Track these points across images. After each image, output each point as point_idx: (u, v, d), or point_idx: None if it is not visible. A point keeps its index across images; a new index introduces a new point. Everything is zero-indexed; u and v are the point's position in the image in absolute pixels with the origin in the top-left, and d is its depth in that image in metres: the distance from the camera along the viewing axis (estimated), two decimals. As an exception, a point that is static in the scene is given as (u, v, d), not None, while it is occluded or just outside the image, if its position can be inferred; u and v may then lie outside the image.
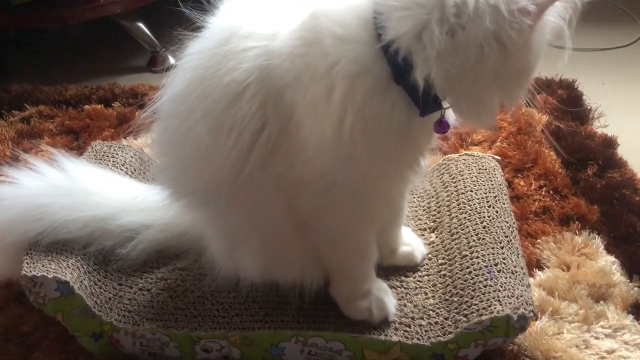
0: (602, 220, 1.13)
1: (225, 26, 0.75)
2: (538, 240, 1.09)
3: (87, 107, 1.51)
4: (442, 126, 0.72)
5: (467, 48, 0.61)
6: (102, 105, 1.52)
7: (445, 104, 0.70)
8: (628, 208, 1.15)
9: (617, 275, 1.02)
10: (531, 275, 1.03)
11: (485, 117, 0.70)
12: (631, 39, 1.81)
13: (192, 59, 0.76)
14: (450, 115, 0.74)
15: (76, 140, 1.41)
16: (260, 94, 0.71)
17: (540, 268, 1.05)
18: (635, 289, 0.99)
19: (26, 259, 0.89)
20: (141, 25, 1.76)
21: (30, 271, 0.86)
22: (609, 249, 1.07)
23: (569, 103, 1.47)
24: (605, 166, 1.26)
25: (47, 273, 0.86)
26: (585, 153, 1.29)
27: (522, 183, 1.22)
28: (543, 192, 1.20)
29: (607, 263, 1.04)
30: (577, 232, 1.10)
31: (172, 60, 1.77)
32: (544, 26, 0.63)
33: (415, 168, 0.78)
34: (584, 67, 1.65)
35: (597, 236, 1.10)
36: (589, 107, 1.46)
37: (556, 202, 1.18)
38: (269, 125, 0.72)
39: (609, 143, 1.32)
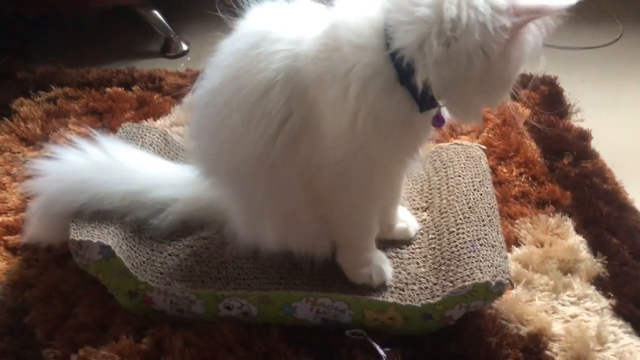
0: (573, 204, 1.28)
1: (256, 30, 0.87)
2: (517, 221, 1.24)
3: (108, 89, 1.63)
4: (438, 120, 0.86)
5: (459, 57, 0.74)
6: (123, 89, 1.64)
7: (441, 102, 0.84)
8: (597, 194, 1.29)
9: (584, 252, 1.17)
10: (509, 250, 1.17)
11: (472, 115, 0.84)
12: (611, 38, 1.94)
13: (227, 58, 0.88)
14: (446, 111, 0.87)
15: (100, 121, 1.52)
16: (286, 90, 0.83)
17: (518, 245, 1.20)
18: (599, 264, 1.14)
19: (72, 226, 1.01)
20: (156, 12, 1.86)
21: (78, 236, 0.99)
22: (578, 230, 1.22)
23: (550, 98, 1.61)
24: (579, 157, 1.40)
25: (92, 238, 0.99)
26: (562, 144, 1.43)
27: (504, 170, 1.36)
28: (523, 179, 1.34)
29: (576, 242, 1.19)
30: (551, 214, 1.25)
31: (184, 46, 1.89)
32: (522, 43, 0.75)
33: (415, 156, 0.92)
34: (566, 64, 1.78)
35: (568, 218, 1.24)
36: (568, 103, 1.59)
37: (534, 187, 1.32)
38: (292, 116, 0.84)
39: (584, 136, 1.46)
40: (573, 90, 1.65)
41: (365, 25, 0.79)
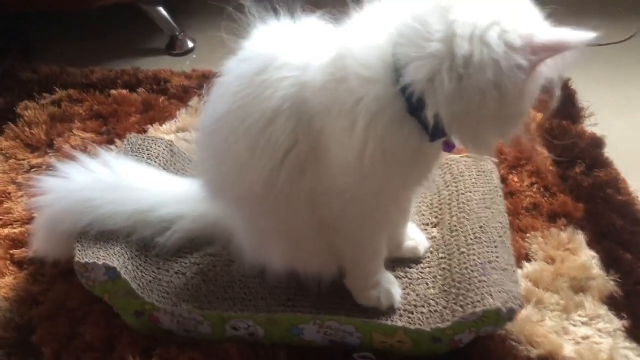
0: (586, 217, 1.25)
1: (262, 54, 0.84)
2: (528, 235, 1.21)
3: (113, 92, 1.60)
4: (448, 146, 0.84)
5: (471, 94, 0.71)
6: (128, 91, 1.61)
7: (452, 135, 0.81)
8: (610, 207, 1.26)
9: (596, 269, 1.15)
10: (520, 267, 1.16)
11: (484, 149, 0.82)
12: (625, 35, 1.87)
13: (233, 83, 0.85)
14: None
15: (105, 126, 1.50)
16: (292, 119, 0.81)
17: (529, 260, 1.17)
18: (611, 282, 1.12)
19: (78, 247, 1.01)
20: (161, 9, 1.82)
21: (83, 258, 0.98)
22: (591, 245, 1.19)
23: (563, 101, 1.56)
24: (593, 165, 1.36)
25: (98, 260, 0.98)
26: (574, 152, 1.40)
27: (515, 179, 1.34)
28: (534, 189, 1.31)
29: (588, 258, 1.16)
30: (563, 228, 1.22)
31: (190, 44, 1.85)
32: (537, 77, 0.72)
33: (425, 182, 0.90)
34: (578, 63, 1.73)
35: (580, 232, 1.21)
36: (581, 106, 1.55)
37: (546, 199, 1.29)
38: (298, 145, 0.82)
39: (597, 143, 1.43)
40: (585, 91, 1.61)
41: (373, 57, 0.76)
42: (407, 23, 0.73)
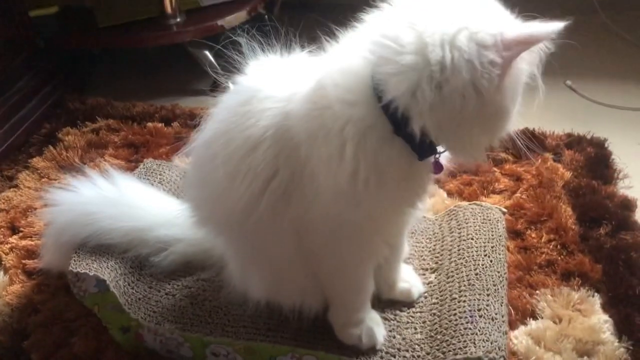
0: (603, 279, 1.17)
1: (248, 87, 0.87)
2: (537, 292, 1.15)
3: (149, 124, 1.68)
4: (437, 167, 0.82)
5: (452, 98, 0.71)
6: (163, 124, 1.68)
7: (439, 148, 0.80)
8: (631, 271, 1.18)
9: (607, 334, 1.06)
10: (524, 323, 1.09)
11: (475, 154, 0.80)
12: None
13: (220, 112, 0.89)
14: (443, 158, 0.83)
15: (136, 154, 1.57)
16: (274, 147, 0.82)
17: (535, 318, 1.11)
18: (622, 349, 1.03)
19: (74, 257, 1.04)
20: (207, 52, 1.91)
21: (76, 268, 1.02)
22: (606, 308, 1.12)
23: (597, 161, 1.50)
24: (619, 227, 1.29)
25: (89, 271, 1.01)
26: (600, 212, 1.32)
27: (533, 235, 1.28)
28: (551, 246, 1.25)
29: (600, 321, 1.08)
30: (576, 288, 1.15)
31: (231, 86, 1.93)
32: (517, 73, 0.72)
33: (416, 205, 0.87)
34: (621, 125, 1.68)
35: (595, 294, 1.14)
36: (615, 168, 1.49)
37: (562, 257, 1.22)
38: (279, 174, 0.82)
39: (628, 205, 1.35)
40: (625, 154, 1.54)
41: (353, 81, 0.77)
42: (379, 42, 0.73)
